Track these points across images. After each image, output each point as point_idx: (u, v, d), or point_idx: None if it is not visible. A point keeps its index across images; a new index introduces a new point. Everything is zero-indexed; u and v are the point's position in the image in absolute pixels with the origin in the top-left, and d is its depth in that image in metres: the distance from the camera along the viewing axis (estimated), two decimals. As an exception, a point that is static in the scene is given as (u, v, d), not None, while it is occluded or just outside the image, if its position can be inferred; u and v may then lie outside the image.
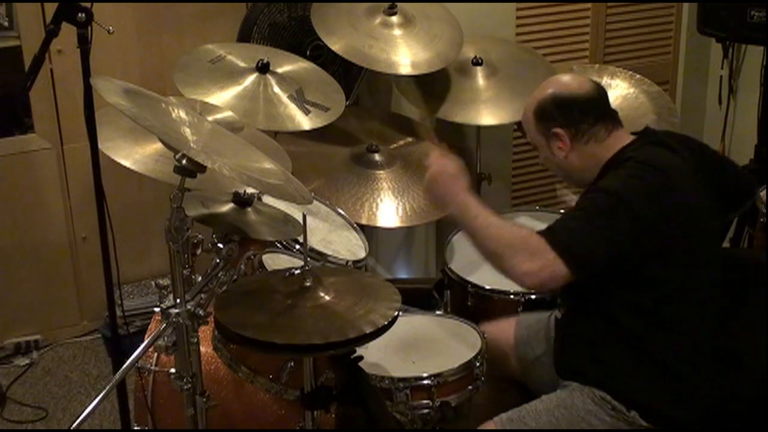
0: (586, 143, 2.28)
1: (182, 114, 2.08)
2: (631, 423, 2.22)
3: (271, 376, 2.28)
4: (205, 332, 2.34)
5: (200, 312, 2.05)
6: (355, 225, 2.87)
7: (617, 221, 2.09)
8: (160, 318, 2.09)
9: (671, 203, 2.14)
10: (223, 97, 2.84)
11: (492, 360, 2.50)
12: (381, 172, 3.10)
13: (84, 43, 2.23)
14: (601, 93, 2.32)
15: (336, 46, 3.09)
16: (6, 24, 3.40)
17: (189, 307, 2.04)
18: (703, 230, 2.24)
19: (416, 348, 2.51)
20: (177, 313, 2.03)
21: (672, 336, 2.20)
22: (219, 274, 2.21)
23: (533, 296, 2.72)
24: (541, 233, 2.11)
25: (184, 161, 1.92)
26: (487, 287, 2.78)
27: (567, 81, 2.35)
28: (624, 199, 2.10)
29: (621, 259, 2.12)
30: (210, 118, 2.47)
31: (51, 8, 2.29)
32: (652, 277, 2.16)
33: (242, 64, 2.98)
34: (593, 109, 2.29)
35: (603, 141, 2.28)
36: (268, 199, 2.42)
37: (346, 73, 3.46)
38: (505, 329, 2.61)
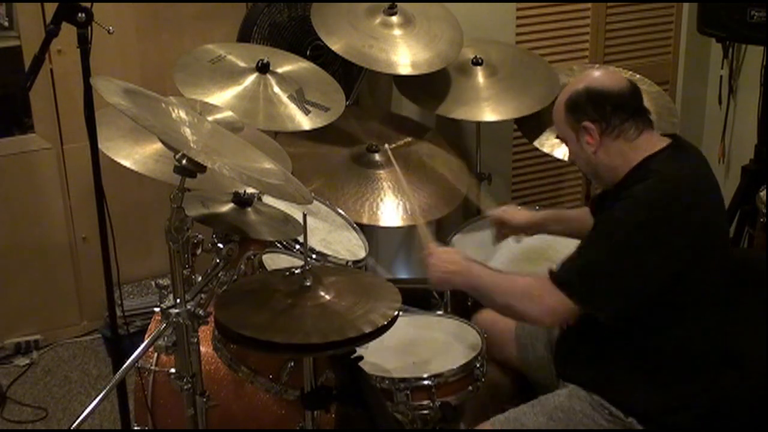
0: (615, 139, 2.24)
1: (182, 114, 2.08)
2: (629, 429, 2.22)
3: (271, 376, 2.28)
4: (205, 332, 2.34)
5: (200, 312, 2.05)
6: (355, 225, 2.87)
7: (646, 259, 2.09)
8: (160, 318, 2.09)
9: (695, 223, 2.13)
10: (223, 97, 2.84)
11: (492, 345, 2.49)
12: (381, 171, 3.10)
13: (84, 43, 2.23)
14: (634, 90, 2.29)
15: (336, 46, 3.09)
16: (6, 24, 3.40)
17: (189, 307, 2.04)
18: (719, 240, 2.24)
19: (416, 348, 2.51)
20: (177, 313, 2.04)
21: (672, 340, 2.19)
22: (219, 274, 2.21)
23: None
24: (554, 278, 2.14)
25: (184, 161, 1.92)
26: (487, 287, 2.78)
27: (601, 76, 2.32)
28: (651, 235, 2.09)
29: (647, 290, 2.13)
30: (210, 118, 2.47)
31: (51, 8, 2.29)
32: (661, 291, 2.15)
33: (242, 64, 2.98)
34: (625, 105, 2.25)
35: (632, 140, 2.24)
36: (268, 199, 2.42)
37: (346, 73, 3.46)
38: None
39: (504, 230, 2.73)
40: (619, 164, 2.25)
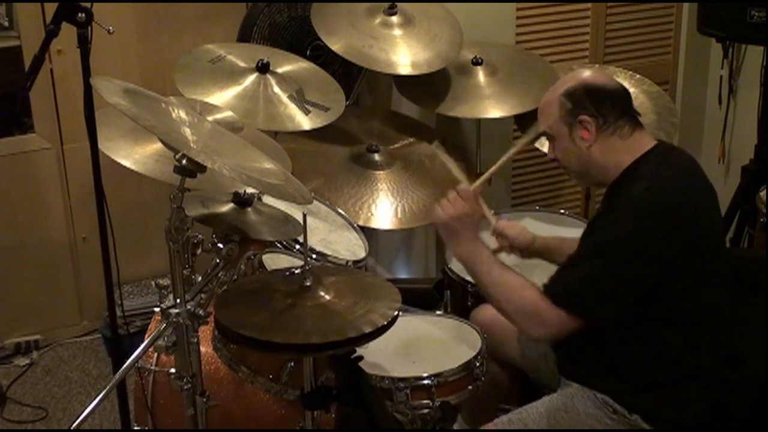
0: (611, 135, 2.24)
1: (182, 114, 2.08)
2: (633, 427, 2.21)
3: (271, 376, 2.28)
4: (205, 332, 2.34)
5: (200, 312, 2.05)
6: (355, 225, 2.87)
7: (638, 269, 2.11)
8: (160, 318, 2.09)
9: (686, 227, 2.14)
10: (223, 97, 2.84)
11: (493, 344, 2.50)
12: (381, 172, 3.10)
13: (84, 43, 2.23)
14: (626, 91, 2.32)
15: (336, 46, 3.09)
16: (6, 24, 3.40)
17: (189, 307, 2.04)
18: (713, 239, 2.24)
19: (416, 348, 2.51)
20: (177, 313, 2.04)
21: (676, 338, 2.19)
22: (219, 274, 2.21)
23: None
24: (550, 295, 2.14)
25: (184, 161, 1.92)
26: (487, 287, 2.77)
27: (596, 73, 2.35)
28: (640, 244, 2.10)
29: (639, 296, 2.14)
30: (210, 118, 2.47)
31: (51, 8, 2.29)
32: (661, 290, 2.15)
33: (242, 64, 2.98)
34: (621, 102, 2.28)
35: (626, 139, 2.25)
36: (268, 199, 2.42)
37: (346, 73, 3.46)
38: None
39: (502, 244, 2.64)
40: (610, 164, 2.25)
